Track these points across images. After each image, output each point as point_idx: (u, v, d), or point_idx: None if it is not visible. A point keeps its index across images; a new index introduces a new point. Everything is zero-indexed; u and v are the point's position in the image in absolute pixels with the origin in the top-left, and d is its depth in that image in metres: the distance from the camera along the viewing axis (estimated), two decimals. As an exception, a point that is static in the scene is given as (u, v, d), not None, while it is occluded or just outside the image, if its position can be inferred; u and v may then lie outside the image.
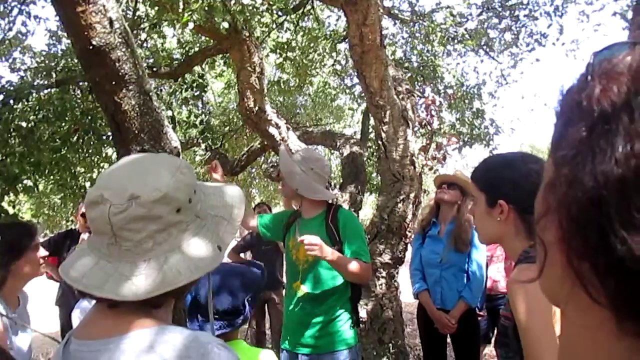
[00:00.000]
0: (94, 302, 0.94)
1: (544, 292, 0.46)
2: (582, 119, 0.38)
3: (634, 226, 0.33)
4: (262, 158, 9.45)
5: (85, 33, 1.86)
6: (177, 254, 0.90)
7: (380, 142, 4.14)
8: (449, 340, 3.58)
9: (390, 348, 3.91)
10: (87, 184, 5.92)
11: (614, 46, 0.41)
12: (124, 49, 1.95)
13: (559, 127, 0.42)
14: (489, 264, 3.99)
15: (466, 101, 8.19)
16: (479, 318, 3.66)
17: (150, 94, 2.07)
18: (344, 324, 2.50)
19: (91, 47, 1.88)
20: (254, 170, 12.61)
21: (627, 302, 0.35)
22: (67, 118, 4.85)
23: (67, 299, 4.20)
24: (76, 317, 2.63)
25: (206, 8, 3.80)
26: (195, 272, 0.90)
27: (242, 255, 5.46)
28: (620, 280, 0.35)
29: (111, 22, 1.87)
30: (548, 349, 1.08)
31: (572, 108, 0.40)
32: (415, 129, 4.56)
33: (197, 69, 6.25)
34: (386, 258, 4.02)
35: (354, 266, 2.38)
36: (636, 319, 0.35)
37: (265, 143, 5.82)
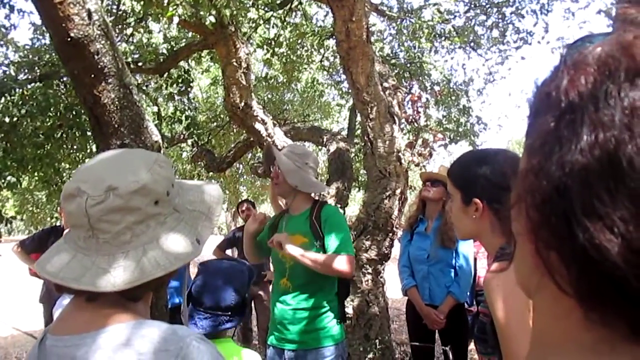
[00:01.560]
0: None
1: (518, 282, 0.46)
2: (550, 110, 0.38)
3: (596, 215, 0.33)
4: (250, 154, 9.41)
5: (63, 25, 1.82)
6: (155, 246, 0.90)
7: (366, 138, 4.13)
8: (437, 336, 3.60)
9: (377, 344, 3.91)
10: (72, 180, 5.86)
11: (586, 38, 0.41)
12: (103, 42, 1.92)
13: (530, 118, 0.42)
14: (476, 259, 4.00)
15: (453, 98, 8.22)
16: (469, 314, 3.67)
17: (131, 87, 2.04)
18: (330, 320, 2.50)
19: (69, 40, 1.84)
20: (241, 166, 12.57)
21: (590, 291, 0.35)
22: (50, 113, 4.81)
23: (51, 296, 4.14)
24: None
25: (191, 2, 3.76)
26: (174, 263, 0.90)
27: (228, 252, 5.44)
28: (583, 268, 0.35)
29: (90, 14, 1.83)
30: (524, 345, 1.08)
31: (542, 99, 0.40)
32: (402, 125, 4.56)
33: (183, 64, 6.20)
34: (372, 254, 4.02)
35: (329, 261, 2.37)
36: (601, 308, 0.35)
37: (252, 139, 5.80)
